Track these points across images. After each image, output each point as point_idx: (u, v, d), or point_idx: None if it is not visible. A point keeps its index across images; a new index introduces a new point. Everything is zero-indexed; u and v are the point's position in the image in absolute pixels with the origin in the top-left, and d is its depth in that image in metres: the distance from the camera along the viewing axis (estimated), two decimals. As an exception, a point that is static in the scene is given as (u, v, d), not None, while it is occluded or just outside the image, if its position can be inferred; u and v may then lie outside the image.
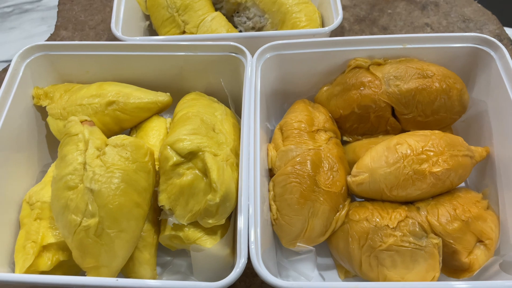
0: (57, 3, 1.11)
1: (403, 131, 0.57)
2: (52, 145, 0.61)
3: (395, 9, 0.80)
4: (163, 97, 0.57)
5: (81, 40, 0.78)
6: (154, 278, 0.50)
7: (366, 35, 0.76)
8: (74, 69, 0.60)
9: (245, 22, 0.69)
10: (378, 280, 0.48)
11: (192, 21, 0.66)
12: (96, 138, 0.47)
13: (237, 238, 0.43)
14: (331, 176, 0.51)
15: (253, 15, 0.68)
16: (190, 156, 0.47)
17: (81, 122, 0.49)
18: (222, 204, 0.45)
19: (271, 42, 0.55)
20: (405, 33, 0.76)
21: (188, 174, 0.47)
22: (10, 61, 0.99)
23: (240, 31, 0.70)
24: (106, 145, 0.47)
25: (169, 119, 0.58)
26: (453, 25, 0.77)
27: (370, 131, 0.58)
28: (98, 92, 0.56)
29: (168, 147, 0.47)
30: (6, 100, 0.54)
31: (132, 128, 0.59)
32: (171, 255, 0.55)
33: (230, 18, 0.73)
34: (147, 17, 0.71)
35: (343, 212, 0.51)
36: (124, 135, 0.48)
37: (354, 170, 0.52)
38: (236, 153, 0.50)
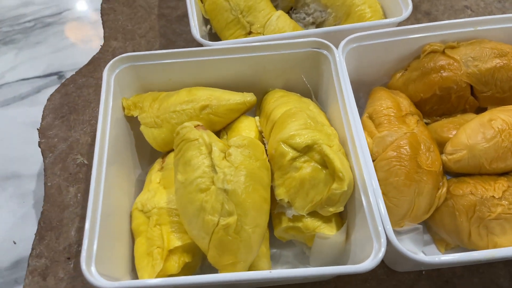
0: (78, 16, 1.11)
1: (479, 108, 0.60)
2: (140, 153, 0.62)
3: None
4: (250, 97, 0.59)
5: (134, 49, 0.79)
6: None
7: (411, 21, 0.79)
8: (157, 78, 0.61)
9: (304, 18, 0.71)
10: (487, 248, 0.51)
11: (258, 21, 0.68)
12: (217, 140, 0.49)
13: (373, 222, 0.45)
14: (430, 157, 0.54)
15: (313, 10, 0.70)
16: (306, 149, 0.49)
17: (195, 127, 0.51)
18: (346, 192, 0.48)
19: (351, 34, 0.58)
20: (448, 16, 0.80)
21: (307, 167, 0.49)
22: (42, 76, 0.99)
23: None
24: (229, 146, 0.48)
25: (257, 118, 0.60)
26: (491, 5, 0.81)
27: (449, 111, 0.61)
28: (190, 97, 0.57)
29: (282, 143, 0.49)
30: (107, 115, 0.54)
31: (221, 130, 0.60)
32: (276, 247, 0.57)
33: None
34: (207, 21, 0.72)
35: (444, 189, 0.54)
36: (242, 135, 0.50)
37: (449, 148, 0.55)
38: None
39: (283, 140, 0.49)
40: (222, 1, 0.69)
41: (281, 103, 0.56)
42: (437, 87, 0.59)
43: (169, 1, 0.85)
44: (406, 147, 0.53)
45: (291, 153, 0.49)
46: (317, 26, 0.71)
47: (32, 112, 0.96)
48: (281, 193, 0.50)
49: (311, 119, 0.52)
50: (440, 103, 0.60)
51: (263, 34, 0.67)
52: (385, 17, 0.67)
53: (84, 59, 1.00)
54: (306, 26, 0.72)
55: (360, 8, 0.65)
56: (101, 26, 0.87)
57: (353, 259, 0.49)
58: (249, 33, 0.69)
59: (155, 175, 0.56)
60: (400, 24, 0.62)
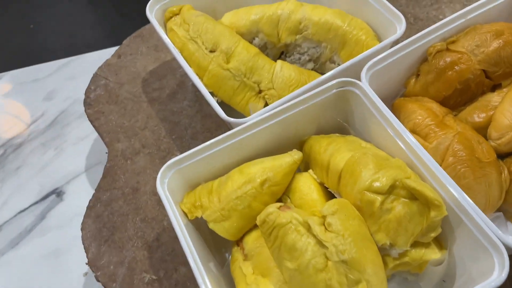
0: (50, 123, 1.07)
1: (494, 86, 0.65)
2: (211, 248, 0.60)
3: (391, -8, 0.87)
4: (297, 155, 0.59)
5: (142, 144, 0.76)
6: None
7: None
8: (201, 171, 0.60)
9: (299, 59, 0.73)
10: None
11: (264, 78, 0.68)
12: (308, 216, 0.49)
13: (482, 233, 0.47)
14: (483, 148, 0.57)
15: (307, 48, 0.71)
16: (390, 189, 0.50)
17: (278, 209, 0.50)
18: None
19: (367, 62, 0.60)
20: (412, 8, 0.85)
21: (397, 205, 0.50)
22: (40, 200, 0.93)
23: (298, 68, 0.74)
24: (323, 217, 0.49)
25: (311, 171, 0.61)
26: (443, -16, 0.87)
27: (470, 99, 0.65)
28: (245, 178, 0.57)
29: (366, 192, 0.51)
30: (181, 226, 0.53)
31: (282, 195, 0.60)
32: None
33: (276, 60, 0.76)
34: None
35: (505, 171, 0.58)
36: (330, 201, 0.50)
37: (494, 134, 0.59)
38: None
39: (365, 189, 0.51)
40: (222, 71, 0.68)
41: (334, 151, 0.57)
42: (457, 82, 0.62)
43: (151, 84, 0.84)
44: (462, 148, 0.56)
45: (379, 198, 0.50)
46: (315, 62, 0.73)
47: (49, 242, 0.90)
48: (382, 238, 0.51)
49: (376, 158, 0.54)
50: (462, 95, 0.64)
51: (274, 89, 0.68)
52: (377, 35, 0.70)
53: (78, 166, 0.96)
54: (304, 65, 0.73)
55: (353, 34, 0.68)
56: (86, 128, 0.83)
57: (464, 274, 0.51)
58: (259, 91, 0.69)
59: (244, 266, 0.55)
60: (399, 38, 0.65)
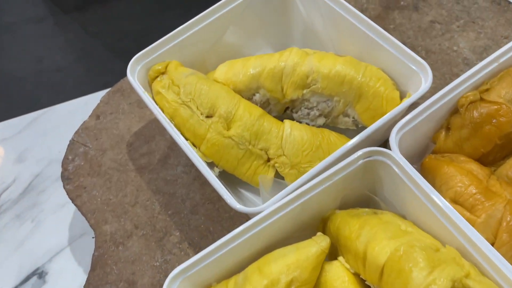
0: (23, 190, 0.95)
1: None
2: None
3: (395, 22, 0.79)
4: (324, 242, 0.50)
5: (134, 223, 0.66)
6: None
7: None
8: (213, 273, 0.50)
9: (308, 114, 0.64)
10: None
11: (272, 144, 0.59)
12: None
13: None
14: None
15: (316, 103, 0.62)
16: (451, 291, 0.42)
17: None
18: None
19: (397, 124, 0.52)
20: (421, 39, 0.77)
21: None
22: (19, 285, 0.82)
23: (307, 124, 0.65)
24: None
25: (341, 259, 0.52)
26: (451, 10, 0.79)
27: (510, 152, 0.57)
28: (266, 279, 0.47)
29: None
30: None
31: (311, 292, 0.51)
32: None
33: (280, 117, 0.67)
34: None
35: None
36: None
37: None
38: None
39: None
40: (223, 140, 0.59)
41: (370, 239, 0.48)
42: (497, 137, 0.54)
43: (138, 149, 0.73)
44: (517, 221, 0.48)
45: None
46: (326, 116, 0.64)
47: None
48: None
49: (425, 250, 0.45)
50: (503, 150, 0.56)
51: (284, 155, 0.59)
52: (395, 83, 0.61)
53: (61, 240, 0.85)
54: (313, 121, 0.64)
55: (370, 85, 0.59)
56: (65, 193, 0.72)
57: None
58: (268, 159, 0.60)
59: None
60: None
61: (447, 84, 0.56)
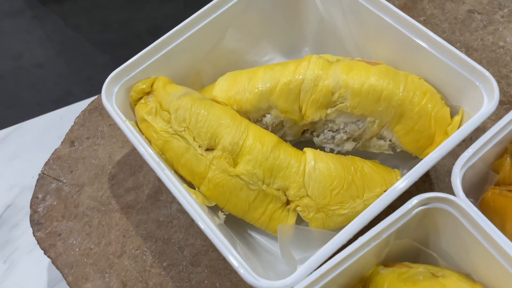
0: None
1: None
2: None
3: (426, 13, 0.66)
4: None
5: (123, 283, 0.53)
6: None
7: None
8: None
9: (333, 138, 0.51)
10: None
11: (292, 182, 0.46)
12: None
13: None
14: None
15: (344, 125, 0.49)
16: None
17: None
18: None
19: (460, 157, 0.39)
20: (459, 34, 0.63)
21: None
22: None
23: (332, 150, 0.52)
24: None
25: None
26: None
27: None
28: None
29: None
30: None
31: None
32: None
33: (297, 144, 0.55)
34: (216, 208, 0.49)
35: None
36: None
37: None
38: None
39: None
40: (229, 179, 0.46)
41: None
42: None
43: (123, 182, 0.60)
44: None
45: None
46: (355, 140, 0.51)
47: None
48: None
49: None
50: None
51: (308, 196, 0.46)
52: (443, 98, 0.48)
53: (39, 285, 0.72)
54: (339, 146, 0.51)
55: (414, 102, 0.46)
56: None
57: None
58: (287, 202, 0.47)
59: None
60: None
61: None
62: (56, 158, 0.63)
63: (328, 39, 0.58)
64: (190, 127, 0.47)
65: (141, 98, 0.51)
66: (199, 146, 0.47)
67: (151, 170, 0.60)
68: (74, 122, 0.65)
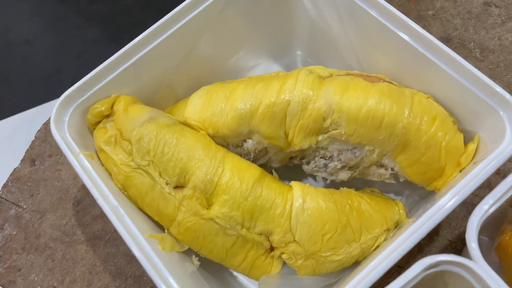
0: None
1: None
2: None
3: (435, 6, 0.57)
4: None
5: (88, 325, 0.47)
6: None
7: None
8: None
9: (325, 166, 0.44)
10: None
11: (277, 226, 0.39)
12: None
13: None
14: None
15: (338, 152, 0.42)
16: None
17: None
18: None
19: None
20: (473, 31, 0.55)
21: None
22: None
23: (325, 179, 0.45)
24: None
25: None
26: (511, -14, 0.57)
27: None
28: None
29: None
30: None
31: None
32: None
33: (284, 168, 0.47)
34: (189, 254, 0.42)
35: None
36: None
37: None
38: None
39: None
40: (203, 223, 0.39)
41: None
42: None
43: (89, 209, 0.53)
44: None
45: None
46: (351, 169, 0.44)
47: None
48: None
49: None
50: None
51: (296, 241, 0.39)
52: (456, 121, 0.41)
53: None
54: (332, 175, 0.44)
55: (422, 130, 0.39)
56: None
57: None
58: (271, 249, 0.40)
59: None
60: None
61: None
62: (15, 179, 0.56)
63: (322, 43, 0.50)
64: (155, 161, 0.40)
65: (100, 121, 0.44)
66: (167, 184, 0.40)
67: (121, 194, 0.53)
68: (35, 137, 0.58)
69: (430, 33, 0.53)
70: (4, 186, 0.56)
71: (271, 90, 0.41)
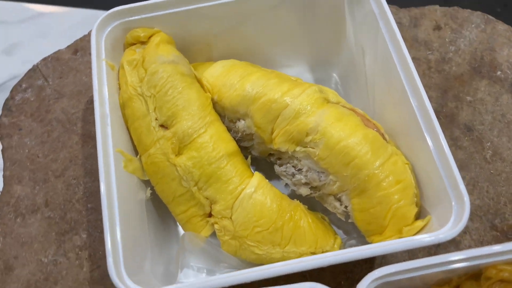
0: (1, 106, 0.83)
1: None
2: None
3: (476, 94, 0.58)
4: None
5: (47, 198, 0.54)
6: None
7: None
8: None
9: (293, 175, 0.47)
10: None
11: (223, 199, 0.43)
12: None
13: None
14: None
15: (306, 169, 0.45)
16: None
17: None
18: None
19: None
20: (498, 133, 0.56)
21: None
22: None
23: (287, 186, 0.48)
24: None
25: None
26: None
27: None
28: None
29: None
30: None
31: None
32: None
33: (264, 161, 0.51)
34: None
35: None
36: None
37: None
38: None
39: None
40: (166, 165, 0.44)
41: None
42: None
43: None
44: None
45: None
46: (313, 189, 0.47)
47: None
48: None
49: None
50: None
51: (231, 220, 0.43)
52: (418, 196, 0.43)
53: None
54: (295, 186, 0.47)
55: (383, 185, 0.41)
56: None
57: None
58: (209, 215, 0.45)
59: None
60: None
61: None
62: (55, 58, 0.63)
63: (353, 77, 0.53)
64: (156, 96, 0.45)
65: (134, 44, 0.49)
66: (156, 119, 0.45)
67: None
68: (87, 33, 0.65)
69: (458, 116, 0.55)
70: (44, 59, 0.63)
71: (279, 88, 0.45)
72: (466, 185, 0.52)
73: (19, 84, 0.61)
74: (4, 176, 0.56)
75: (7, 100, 0.61)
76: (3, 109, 0.60)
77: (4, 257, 0.51)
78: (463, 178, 0.52)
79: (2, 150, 0.58)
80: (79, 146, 0.57)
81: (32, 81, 0.61)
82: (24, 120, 0.59)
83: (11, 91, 0.61)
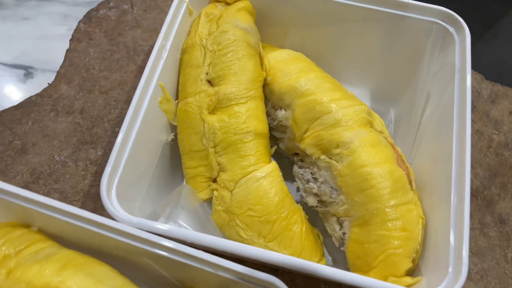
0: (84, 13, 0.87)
1: None
2: None
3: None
4: None
5: (84, 107, 0.56)
6: None
7: (472, 225, 0.52)
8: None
9: (308, 182, 0.46)
10: None
11: (231, 170, 0.43)
12: None
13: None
14: None
15: (323, 180, 0.44)
16: None
17: None
18: None
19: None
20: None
21: None
22: (9, 65, 0.79)
23: (297, 189, 0.48)
24: None
25: None
26: None
27: None
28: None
29: None
30: None
31: None
32: None
33: (285, 160, 0.51)
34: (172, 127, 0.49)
35: None
36: None
37: None
38: None
39: None
40: (197, 118, 0.45)
41: None
42: None
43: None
44: None
45: None
46: (321, 203, 0.46)
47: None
48: None
49: None
50: None
51: (232, 193, 0.43)
52: (419, 252, 0.41)
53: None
54: (305, 192, 0.47)
55: (388, 226, 0.40)
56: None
57: None
58: (214, 181, 0.45)
59: None
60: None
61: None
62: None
63: (408, 114, 0.52)
64: (216, 53, 0.46)
65: (219, 2, 0.51)
66: (206, 73, 0.46)
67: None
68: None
69: (496, 204, 0.54)
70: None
71: (330, 94, 0.45)
72: (475, 273, 0.49)
73: (107, 1, 0.65)
74: (58, 72, 0.59)
75: (91, 10, 0.64)
76: (84, 16, 0.64)
77: (25, 140, 0.54)
78: (475, 265, 0.49)
79: (67, 50, 0.61)
80: (133, 75, 0.60)
81: (120, 3, 0.65)
82: (97, 33, 0.62)
83: (98, 4, 0.65)
